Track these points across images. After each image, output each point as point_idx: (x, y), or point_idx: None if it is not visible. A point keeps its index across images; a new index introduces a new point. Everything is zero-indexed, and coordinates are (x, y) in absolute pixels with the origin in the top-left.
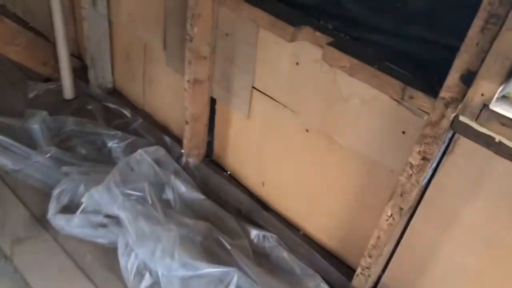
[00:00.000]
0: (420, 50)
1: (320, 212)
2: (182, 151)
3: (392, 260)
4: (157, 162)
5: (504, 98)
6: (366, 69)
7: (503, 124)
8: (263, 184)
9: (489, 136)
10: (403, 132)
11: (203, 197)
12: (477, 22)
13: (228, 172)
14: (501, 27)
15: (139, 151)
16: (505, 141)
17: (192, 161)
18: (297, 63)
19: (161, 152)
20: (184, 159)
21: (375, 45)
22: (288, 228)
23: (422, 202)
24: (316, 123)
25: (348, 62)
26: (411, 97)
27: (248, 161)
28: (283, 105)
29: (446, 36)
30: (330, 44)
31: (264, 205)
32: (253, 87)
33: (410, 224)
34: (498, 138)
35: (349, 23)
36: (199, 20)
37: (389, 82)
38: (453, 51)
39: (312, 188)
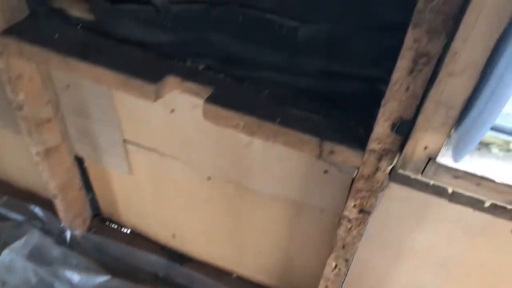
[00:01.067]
0: (324, 85)
1: (254, 255)
2: (62, 224)
3: None
4: (34, 255)
5: (448, 145)
6: (266, 127)
7: (456, 177)
8: (173, 236)
9: (439, 187)
10: (325, 171)
11: (106, 277)
12: (403, 63)
13: (128, 230)
14: (436, 68)
15: (5, 252)
16: (461, 191)
17: (78, 233)
18: (172, 111)
19: (34, 238)
20: (67, 234)
21: (266, 84)
22: (217, 276)
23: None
24: (216, 171)
25: (240, 121)
26: (332, 152)
27: (148, 214)
28: (170, 155)
29: (352, 65)
30: (210, 99)
31: (181, 258)
32: (125, 140)
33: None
34: (451, 189)
35: (226, 59)
36: (21, 82)
37: (300, 139)
38: (365, 81)
39: (236, 234)
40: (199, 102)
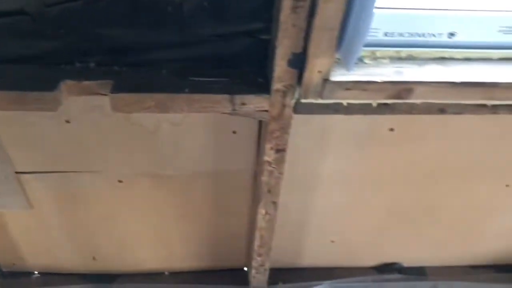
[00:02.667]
0: (217, 48)
1: (181, 244)
2: None
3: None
4: None
5: (336, 63)
6: (178, 99)
7: (348, 89)
8: (94, 258)
9: (336, 103)
10: (234, 132)
11: None
12: (286, 3)
13: (36, 273)
14: (313, 0)
15: None
16: (353, 101)
17: None
18: (67, 121)
19: None
20: None
21: (164, 64)
22: (150, 280)
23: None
24: (126, 170)
25: (151, 101)
26: (243, 104)
27: (59, 247)
28: (73, 171)
29: (237, 24)
30: (115, 90)
31: (108, 277)
32: (18, 172)
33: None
34: (345, 102)
35: (116, 50)
36: None
37: (213, 100)
38: (252, 35)
39: (160, 230)
40: (97, 102)
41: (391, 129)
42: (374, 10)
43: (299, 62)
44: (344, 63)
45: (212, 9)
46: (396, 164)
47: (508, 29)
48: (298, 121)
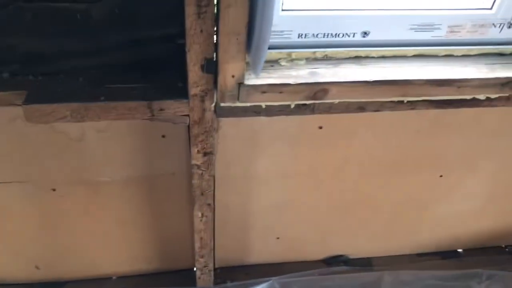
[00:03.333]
0: (135, 54)
1: (126, 248)
2: None
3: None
4: None
5: (248, 65)
6: (93, 108)
7: (264, 92)
8: (37, 267)
9: (255, 106)
10: (163, 136)
11: None
12: (190, 10)
13: None
14: (217, 6)
15: None
16: (271, 103)
17: None
18: None
19: None
20: None
21: (79, 72)
22: (97, 286)
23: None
24: (58, 178)
25: (65, 110)
26: (162, 110)
27: None
28: (2, 182)
29: (151, 29)
30: (28, 100)
31: (55, 285)
32: None
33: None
34: (264, 104)
35: (29, 59)
36: None
37: (129, 107)
38: (167, 39)
39: (104, 235)
40: (16, 112)
41: (320, 127)
42: (284, 13)
43: (212, 67)
44: (252, 67)
45: (124, 14)
46: (329, 160)
47: (418, 26)
48: (227, 123)
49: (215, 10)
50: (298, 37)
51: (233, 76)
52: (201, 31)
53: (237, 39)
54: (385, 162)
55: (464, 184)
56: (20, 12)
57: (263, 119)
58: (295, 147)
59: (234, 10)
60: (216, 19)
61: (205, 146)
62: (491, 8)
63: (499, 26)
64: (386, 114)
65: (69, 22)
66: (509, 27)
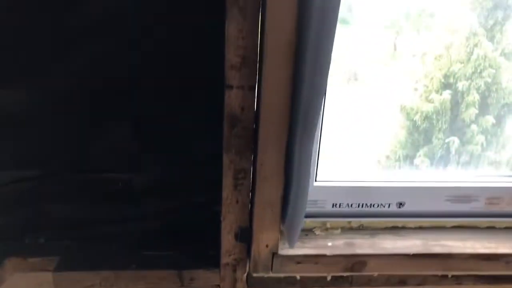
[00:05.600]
0: (171, 221)
1: None
2: None
3: None
4: None
5: (283, 235)
6: (123, 276)
7: (298, 263)
8: None
9: (289, 277)
10: None
11: None
12: (227, 181)
13: None
14: (253, 178)
15: None
16: (306, 275)
17: None
18: None
19: None
20: None
21: (114, 237)
22: None
23: None
24: None
25: (95, 278)
26: (192, 279)
27: None
28: None
29: (191, 196)
30: (58, 268)
31: None
32: None
33: None
34: (298, 275)
35: (67, 225)
36: None
37: (159, 276)
38: (203, 207)
39: None
40: (46, 277)
41: None
42: (318, 183)
43: (246, 236)
44: (287, 237)
45: (164, 184)
46: None
47: (455, 198)
48: None
49: (251, 182)
50: (332, 207)
51: (267, 246)
52: (237, 201)
53: (272, 210)
54: None
55: None
56: (64, 182)
57: None
58: None
59: (270, 182)
60: (252, 190)
61: None
62: None
63: None
64: None
65: (109, 190)
66: None
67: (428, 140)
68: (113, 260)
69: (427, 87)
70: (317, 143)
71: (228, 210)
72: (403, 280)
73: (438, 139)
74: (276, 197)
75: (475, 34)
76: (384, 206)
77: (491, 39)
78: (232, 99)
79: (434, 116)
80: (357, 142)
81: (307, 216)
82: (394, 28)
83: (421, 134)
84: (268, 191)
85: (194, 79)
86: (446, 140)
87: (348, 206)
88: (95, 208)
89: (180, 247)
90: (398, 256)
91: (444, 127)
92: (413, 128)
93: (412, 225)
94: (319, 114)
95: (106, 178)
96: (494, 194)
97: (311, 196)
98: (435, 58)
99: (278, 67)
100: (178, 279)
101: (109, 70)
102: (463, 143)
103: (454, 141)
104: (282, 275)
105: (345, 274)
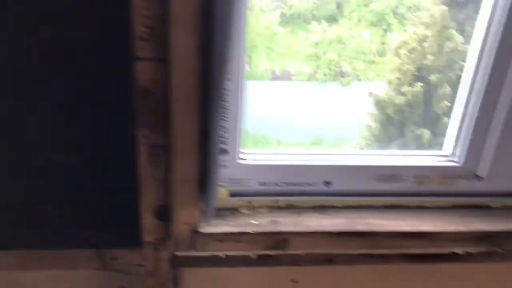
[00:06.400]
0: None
1: None
2: None
3: None
4: None
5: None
6: (41, 256)
7: (220, 241)
8: None
9: (213, 256)
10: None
11: None
12: (142, 158)
13: None
14: (168, 154)
15: None
16: (230, 253)
17: None
18: None
19: None
20: None
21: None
22: None
23: None
24: None
25: (15, 258)
26: (114, 258)
27: None
28: None
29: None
30: None
31: None
32: None
33: None
34: (222, 254)
35: None
36: None
37: (79, 255)
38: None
39: None
40: None
41: (294, 281)
42: (244, 161)
43: (165, 214)
44: (206, 214)
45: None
46: None
47: (384, 177)
48: (189, 274)
49: (167, 158)
50: (260, 185)
51: (186, 224)
52: (154, 179)
53: (189, 186)
54: None
55: None
56: None
57: (230, 270)
58: None
59: (185, 158)
60: (169, 167)
61: None
62: (456, 161)
63: (467, 178)
64: (375, 268)
65: (27, 170)
66: (476, 179)
67: (401, 133)
68: (31, 240)
69: (400, 79)
70: (240, 119)
71: (146, 188)
72: (329, 258)
73: (411, 132)
74: (193, 173)
75: (446, 27)
76: (312, 185)
77: (462, 32)
78: (142, 71)
79: (407, 109)
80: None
81: (234, 195)
82: (372, 23)
83: (394, 127)
84: (184, 167)
85: (102, 52)
86: (417, 133)
87: (276, 184)
88: (11, 188)
89: (101, 226)
90: (322, 234)
91: (416, 120)
92: (387, 121)
93: (340, 204)
94: (224, 83)
95: (24, 157)
96: (422, 173)
97: (237, 174)
98: (409, 51)
99: (185, 37)
100: (98, 258)
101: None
102: (435, 135)
103: (425, 133)
104: (206, 253)
105: (269, 252)
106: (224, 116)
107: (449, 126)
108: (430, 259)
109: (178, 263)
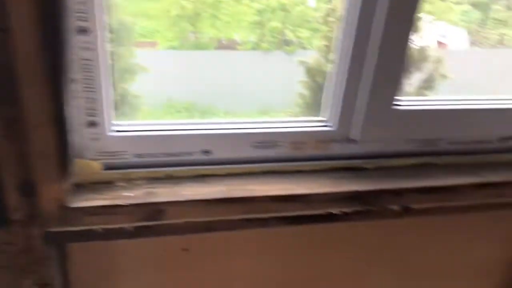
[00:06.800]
0: None
1: None
2: None
3: None
4: None
5: (77, 188)
6: None
7: (93, 214)
8: None
9: (90, 230)
10: None
11: None
12: None
13: None
14: (25, 126)
15: None
16: (107, 226)
17: None
18: None
19: None
20: None
21: None
22: None
23: None
24: None
25: None
26: None
27: None
28: None
29: None
30: None
31: None
32: None
33: None
34: (98, 227)
35: None
36: None
37: None
38: None
39: None
40: None
41: (185, 249)
42: (118, 133)
43: (30, 190)
44: (69, 188)
45: None
46: (204, 286)
47: (261, 144)
48: (75, 250)
49: (23, 132)
50: (136, 158)
51: (54, 199)
52: (12, 154)
53: (50, 160)
54: (266, 285)
55: None
56: None
57: (117, 243)
58: (161, 272)
59: (42, 130)
60: (27, 141)
61: (39, 277)
62: (331, 126)
63: (341, 142)
64: (259, 233)
65: None
66: (350, 142)
67: None
68: None
69: (328, 47)
70: (108, 89)
71: (6, 163)
72: (209, 226)
73: None
74: (52, 147)
75: None
76: (190, 155)
77: None
78: None
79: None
80: None
81: (110, 168)
82: None
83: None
84: (41, 141)
85: None
86: None
87: (153, 156)
88: None
89: None
90: (198, 202)
91: None
92: (317, 88)
93: (220, 173)
94: (69, 53)
95: None
96: (298, 139)
97: (111, 147)
98: (337, 19)
99: (25, 5)
100: None
101: None
102: None
103: None
104: (80, 228)
105: (146, 223)
106: (89, 87)
107: (324, 91)
108: (307, 219)
109: (52, 239)
